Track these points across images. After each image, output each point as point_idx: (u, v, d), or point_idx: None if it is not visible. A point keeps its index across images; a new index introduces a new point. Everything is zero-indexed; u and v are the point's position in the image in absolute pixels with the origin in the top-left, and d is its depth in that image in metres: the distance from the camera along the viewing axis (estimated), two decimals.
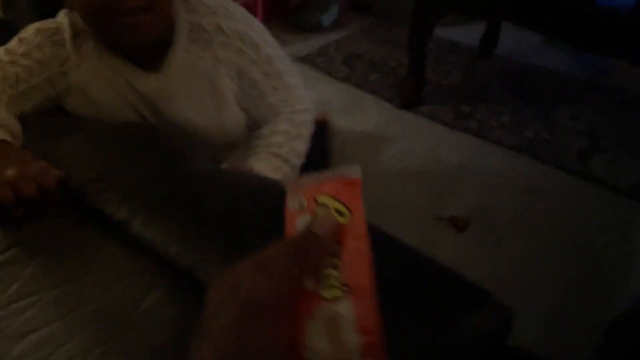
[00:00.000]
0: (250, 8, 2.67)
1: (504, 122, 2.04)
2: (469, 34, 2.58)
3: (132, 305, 0.56)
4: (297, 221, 0.38)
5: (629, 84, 2.21)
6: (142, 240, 0.62)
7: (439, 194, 1.76)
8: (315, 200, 0.38)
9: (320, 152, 1.32)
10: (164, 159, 0.74)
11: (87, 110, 0.96)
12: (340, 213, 0.37)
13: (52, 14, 0.94)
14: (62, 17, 0.92)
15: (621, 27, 1.58)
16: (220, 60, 0.94)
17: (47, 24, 0.92)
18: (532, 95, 2.19)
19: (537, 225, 1.63)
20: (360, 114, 2.19)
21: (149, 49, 0.91)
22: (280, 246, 0.35)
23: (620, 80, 2.24)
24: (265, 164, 0.98)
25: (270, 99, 1.02)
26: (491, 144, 1.96)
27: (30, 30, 0.92)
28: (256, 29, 0.99)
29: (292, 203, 0.39)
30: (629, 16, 1.55)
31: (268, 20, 2.80)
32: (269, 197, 0.68)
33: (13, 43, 0.92)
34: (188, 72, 0.94)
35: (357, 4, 2.99)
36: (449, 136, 2.03)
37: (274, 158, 1.00)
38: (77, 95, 0.95)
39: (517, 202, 1.71)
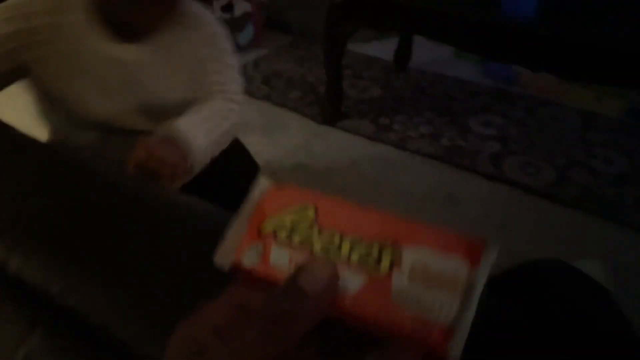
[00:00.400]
0: None
1: (422, 132, 2.10)
2: (384, 49, 2.65)
3: (5, 356, 0.49)
4: (271, 261, 0.30)
5: (532, 90, 2.35)
6: (20, 281, 0.54)
7: None
8: (263, 232, 0.31)
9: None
10: (54, 186, 0.67)
11: (53, 84, 0.99)
12: (303, 209, 0.31)
13: None
14: None
15: (522, 36, 1.67)
16: (193, 39, 1.06)
17: None
18: (446, 105, 2.27)
19: (460, 229, 1.66)
20: (282, 132, 2.17)
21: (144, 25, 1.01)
22: (256, 311, 0.27)
23: (524, 87, 2.38)
24: (189, 124, 0.99)
25: (211, 78, 1.10)
26: (411, 154, 2.00)
27: None
28: (223, 30, 1.13)
29: (248, 259, 0.30)
30: (529, 26, 1.64)
31: None
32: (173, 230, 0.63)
33: None
34: (170, 44, 1.04)
35: (273, 23, 2.99)
36: (371, 149, 2.05)
37: (201, 123, 1.02)
38: (48, 67, 0.98)
39: (439, 208, 1.75)
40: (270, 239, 0.30)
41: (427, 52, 2.55)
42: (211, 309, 0.29)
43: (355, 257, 0.29)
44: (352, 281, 0.28)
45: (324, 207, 0.31)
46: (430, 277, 0.28)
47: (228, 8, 2.73)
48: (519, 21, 1.66)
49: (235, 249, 0.30)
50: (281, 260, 0.29)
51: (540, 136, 2.05)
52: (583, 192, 1.76)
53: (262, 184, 0.32)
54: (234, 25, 2.74)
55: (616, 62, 1.54)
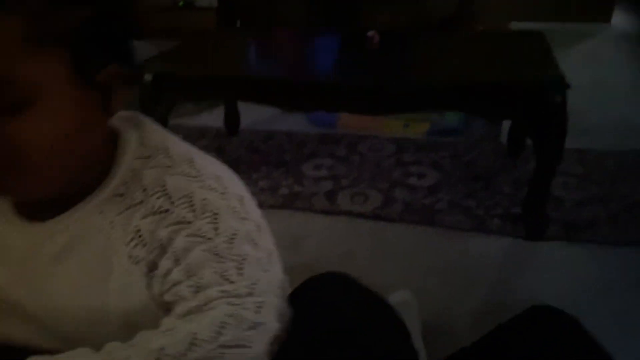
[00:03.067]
0: None
1: (262, 187, 2.22)
2: (215, 117, 2.78)
3: None
4: None
5: (351, 129, 2.63)
6: None
7: None
8: None
9: None
10: None
11: None
12: None
13: None
14: None
15: (327, 89, 1.90)
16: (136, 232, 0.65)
17: None
18: (279, 158, 2.44)
19: (312, 266, 1.77)
20: None
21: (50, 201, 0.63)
22: None
23: (344, 127, 2.66)
24: None
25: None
26: None
27: None
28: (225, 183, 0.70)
29: None
30: (331, 81, 1.89)
31: None
32: None
33: None
34: (85, 231, 0.65)
35: None
36: None
37: None
38: None
39: (287, 251, 1.82)
40: None
41: (254, 113, 2.73)
42: None
43: None
44: None
45: None
46: None
47: None
48: (322, 78, 1.92)
49: None
50: None
51: (363, 168, 2.30)
52: (405, 207, 2.00)
53: None
54: None
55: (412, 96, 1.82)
